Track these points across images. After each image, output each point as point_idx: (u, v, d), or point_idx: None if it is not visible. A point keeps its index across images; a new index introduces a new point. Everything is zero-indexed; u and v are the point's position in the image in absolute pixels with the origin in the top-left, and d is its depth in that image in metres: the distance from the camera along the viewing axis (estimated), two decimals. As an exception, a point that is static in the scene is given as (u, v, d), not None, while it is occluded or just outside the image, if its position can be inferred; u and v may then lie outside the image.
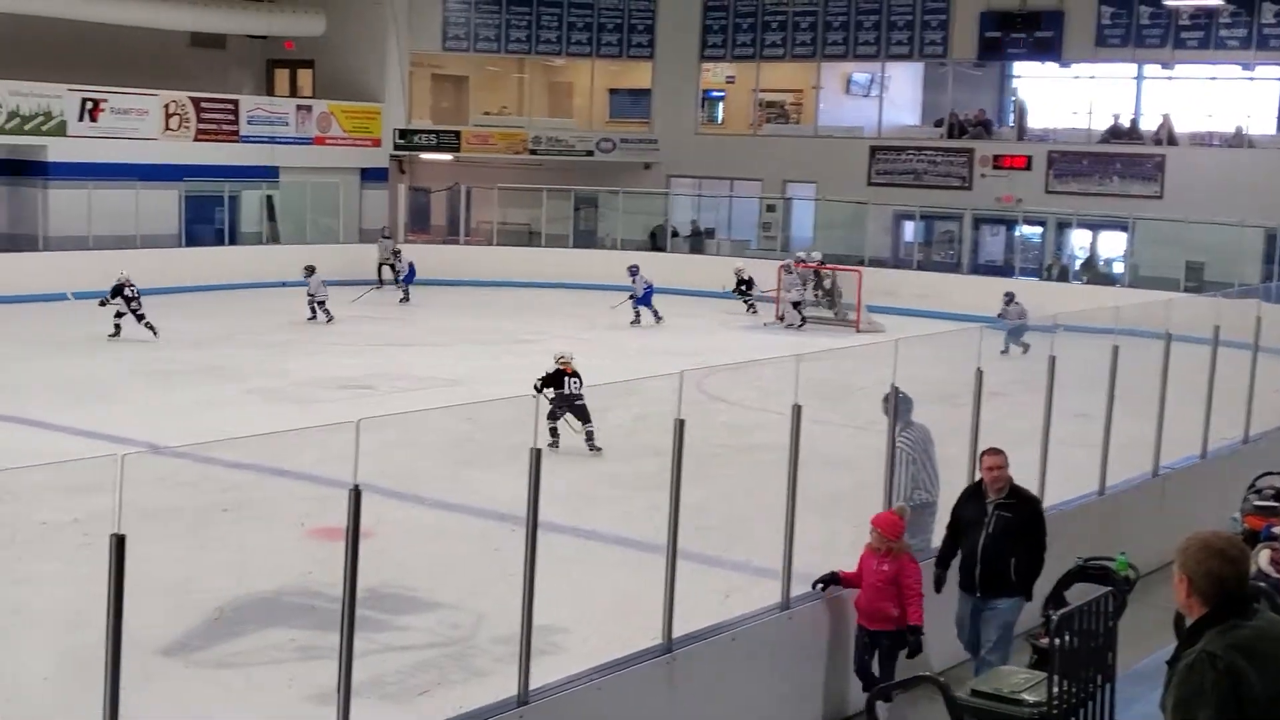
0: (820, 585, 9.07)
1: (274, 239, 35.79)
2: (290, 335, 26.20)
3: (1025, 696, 7.12)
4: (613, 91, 41.87)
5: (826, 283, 30.67)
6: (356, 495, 6.31)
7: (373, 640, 9.48)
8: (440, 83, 41.72)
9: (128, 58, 34.23)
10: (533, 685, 7.16)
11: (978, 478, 9.43)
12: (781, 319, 29.84)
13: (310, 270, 28.32)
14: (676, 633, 8.01)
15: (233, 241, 34.58)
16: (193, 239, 33.76)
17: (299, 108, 37.02)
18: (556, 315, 28.83)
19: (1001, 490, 9.15)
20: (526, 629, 7.10)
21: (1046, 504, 10.08)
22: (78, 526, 11.44)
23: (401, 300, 31.78)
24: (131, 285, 24.73)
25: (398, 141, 38.56)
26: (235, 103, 35.65)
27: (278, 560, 12.05)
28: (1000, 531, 9.06)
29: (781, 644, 8.84)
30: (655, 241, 37.58)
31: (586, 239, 37.91)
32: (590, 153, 39.68)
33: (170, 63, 35.74)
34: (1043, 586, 9.33)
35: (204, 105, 34.72)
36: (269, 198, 36.10)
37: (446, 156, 39.14)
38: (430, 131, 39.21)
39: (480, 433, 14.59)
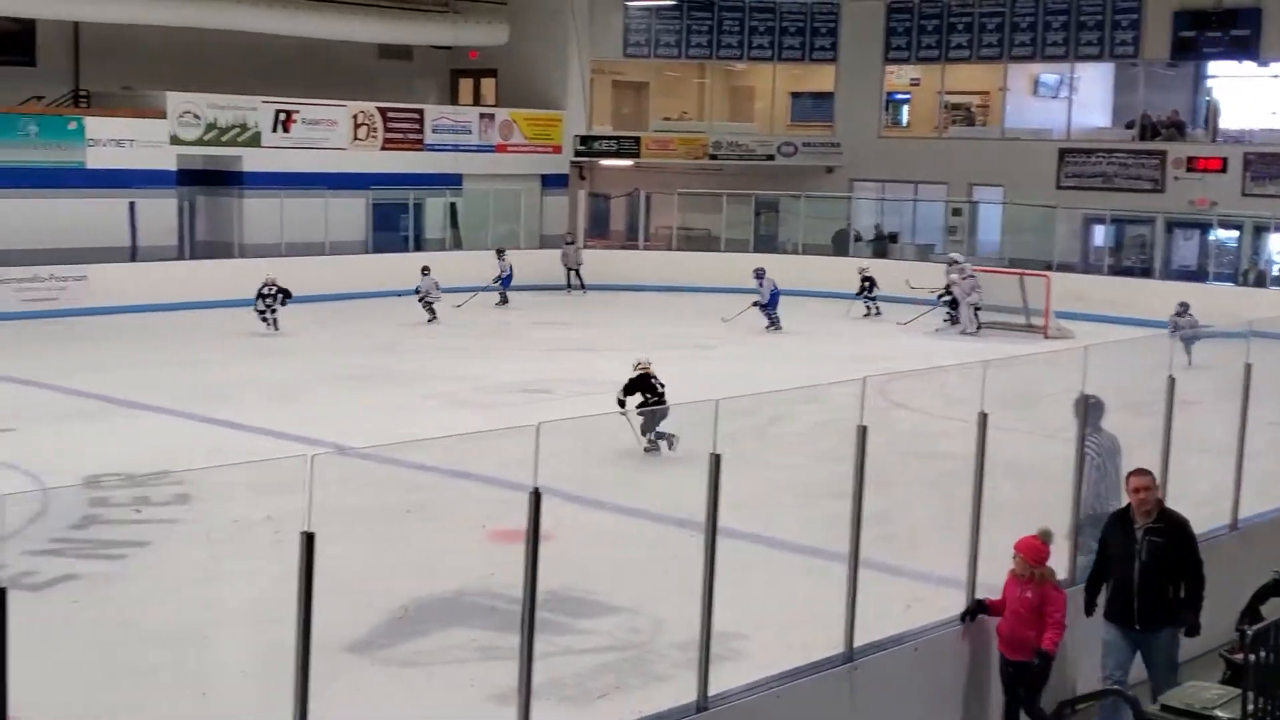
0: (967, 616, 8.76)
1: (457, 245, 36.35)
2: (471, 340, 26.58)
3: (1218, 713, 6.89)
4: (795, 95, 41.66)
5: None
6: (536, 498, 6.34)
7: (552, 643, 9.53)
8: (621, 89, 41.97)
9: (319, 70, 35.15)
10: (712, 691, 7.13)
11: (1126, 501, 8.94)
12: (952, 321, 29.47)
13: (425, 270, 29.04)
14: (857, 642, 7.91)
15: (417, 248, 35.22)
16: (379, 246, 34.47)
17: (482, 116, 37.57)
18: (735, 321, 28.74)
19: (1150, 514, 8.68)
20: (706, 634, 7.06)
21: (1241, 515, 9.74)
22: (269, 524, 11.74)
23: (498, 304, 31.88)
24: (270, 286, 26.51)
25: (578, 148, 38.89)
26: (420, 112, 36.32)
27: (460, 561, 12.19)
28: (1155, 559, 8.59)
29: (964, 656, 8.68)
30: (838, 246, 37.33)
31: (768, 244, 37.72)
32: (771, 157, 39.54)
33: (359, 74, 36.60)
34: (1211, 615, 8.88)
35: (391, 115, 35.44)
36: (452, 205, 36.68)
37: (627, 162, 39.35)
38: (610, 138, 39.47)
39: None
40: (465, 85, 40.66)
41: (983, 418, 8.36)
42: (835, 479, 8.29)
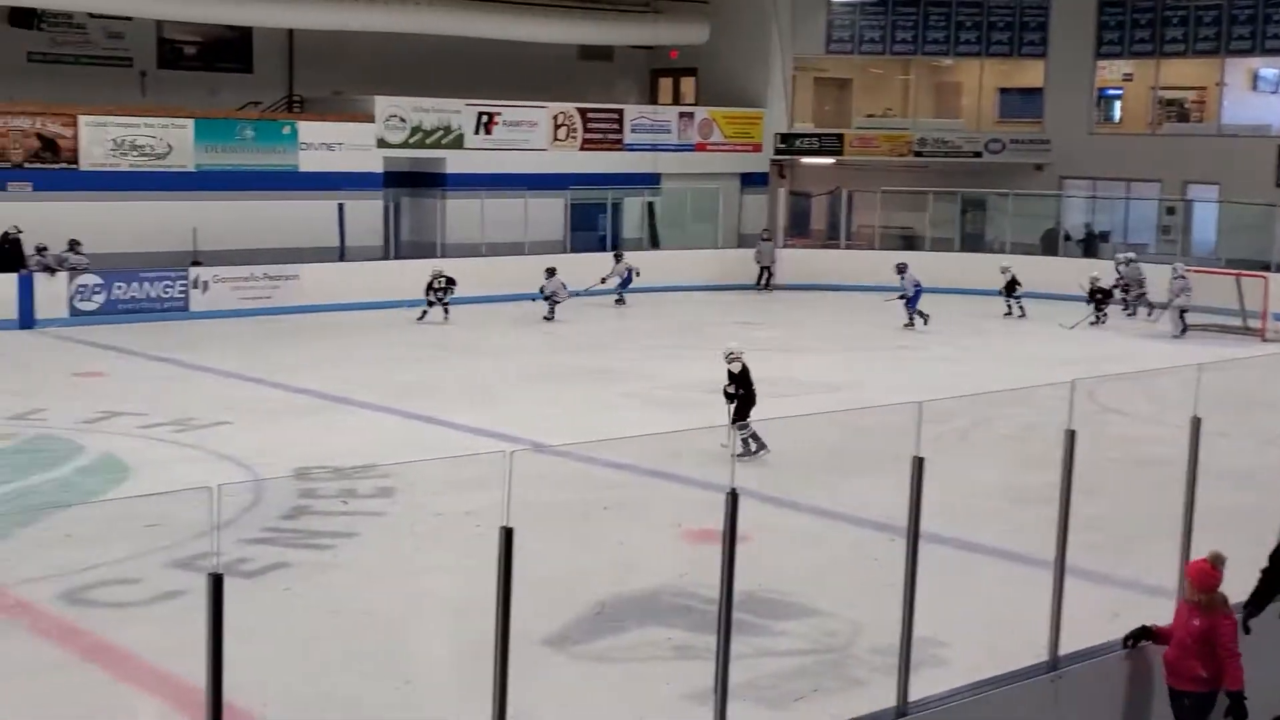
0: (1130, 642, 8.20)
1: (655, 245, 36.51)
2: (666, 340, 26.65)
3: None
4: (1002, 91, 40.89)
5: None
6: (733, 498, 6.31)
7: (748, 644, 9.49)
8: (823, 86, 41.68)
9: (521, 72, 35.67)
10: (912, 696, 7.01)
11: None
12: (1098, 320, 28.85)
13: (551, 272, 29.14)
14: (1062, 650, 7.71)
15: (614, 247, 35.48)
16: (577, 245, 34.80)
17: (681, 115, 37.65)
18: (940, 320, 28.33)
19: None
20: (906, 639, 6.95)
21: None
22: (469, 519, 11.92)
23: (617, 302, 31.61)
24: (439, 278, 28.13)
25: (779, 146, 38.73)
26: (620, 112, 36.56)
27: (655, 560, 12.23)
28: None
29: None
30: (1047, 245, 36.55)
31: (974, 242, 37.12)
32: (978, 154, 38.88)
33: (560, 76, 37.02)
34: None
35: (590, 115, 35.75)
36: (650, 204, 36.86)
37: (828, 160, 39.07)
38: (812, 135, 39.23)
39: (858, 438, 14.46)
40: (665, 84, 40.82)
41: (1196, 422, 8.08)
42: (1041, 484, 8.09)
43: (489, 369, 22.98)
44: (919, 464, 6.84)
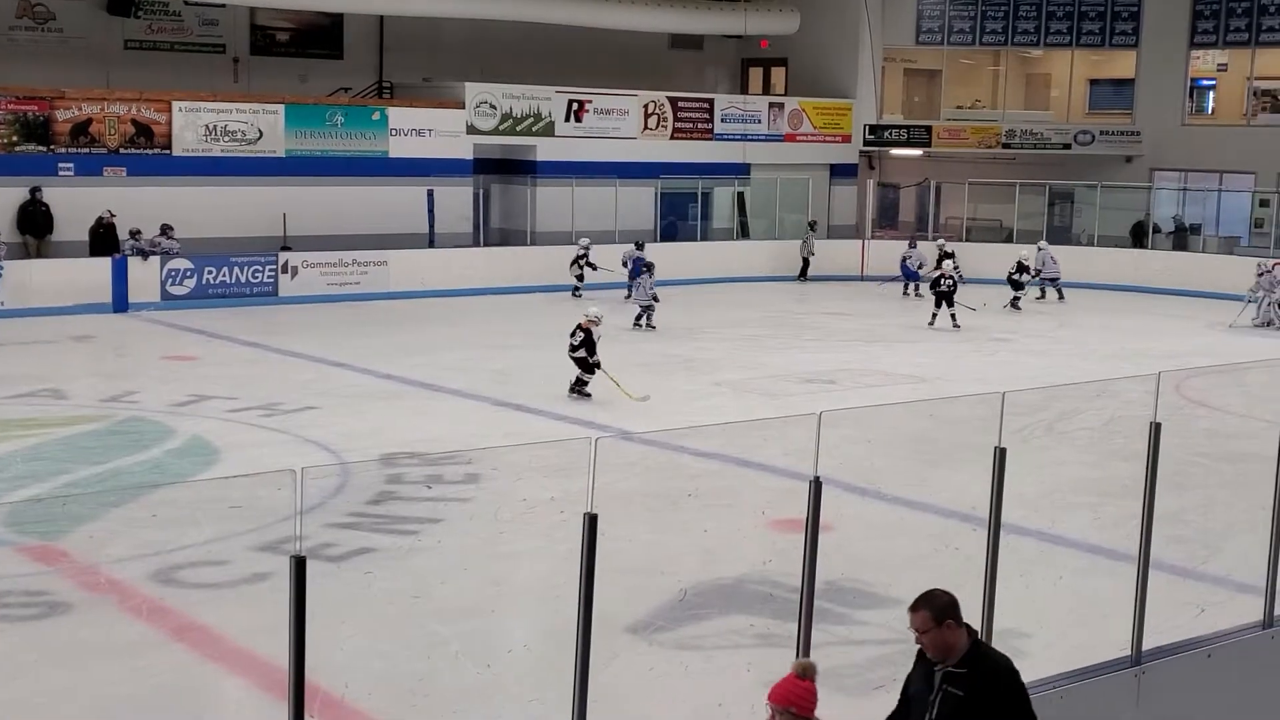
0: None
1: (744, 234, 36.49)
2: (759, 330, 26.61)
3: None
4: (1093, 82, 40.44)
5: None
6: (817, 487, 6.32)
7: (830, 632, 9.49)
8: (912, 77, 41.44)
9: (611, 60, 35.79)
10: (992, 689, 6.98)
11: None
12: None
13: (640, 245, 29.84)
14: (1146, 645, 7.65)
15: (704, 237, 35.48)
16: (667, 234, 34.85)
17: (771, 105, 37.59)
18: (1028, 314, 28.08)
19: (941, 656, 6.01)
20: (987, 629, 6.94)
21: None
22: (554, 505, 12.00)
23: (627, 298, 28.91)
24: (584, 247, 29.97)
25: (868, 137, 38.56)
26: (710, 101, 36.57)
27: (739, 548, 12.24)
28: (947, 716, 5.97)
29: (1263, 665, 8.30)
30: (1136, 238, 36.10)
31: (1061, 235, 36.75)
32: (1067, 145, 38.46)
33: (650, 64, 37.09)
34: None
35: (681, 105, 35.78)
36: (740, 194, 36.82)
37: (916, 152, 38.84)
38: (901, 127, 39.02)
39: (942, 429, 14.39)
40: (755, 74, 40.77)
41: (1287, 417, 7.97)
42: (1126, 477, 8.03)
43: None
44: (1001, 454, 6.82)
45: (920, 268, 31.97)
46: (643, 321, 25.87)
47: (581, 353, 19.01)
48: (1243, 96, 37.81)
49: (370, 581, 11.46)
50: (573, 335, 19.15)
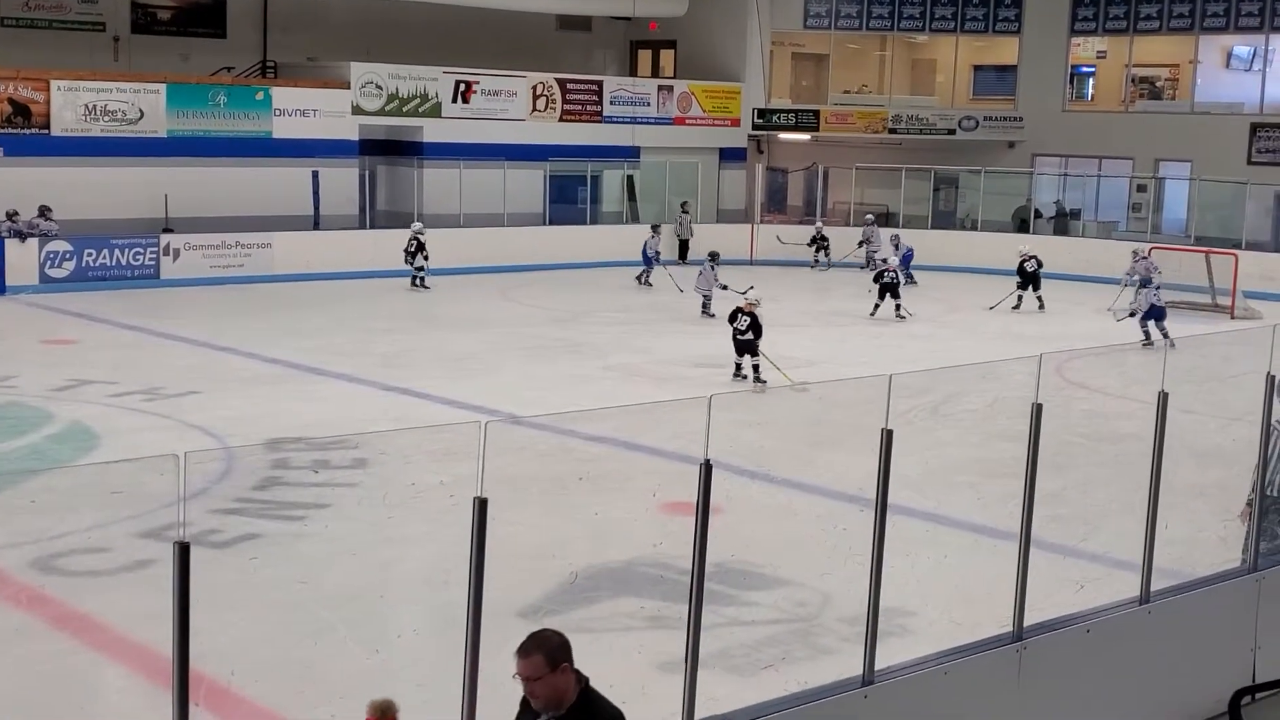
0: None
1: (634, 218, 36.51)
2: (648, 314, 26.67)
3: None
4: (977, 68, 41.00)
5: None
6: (707, 470, 6.35)
7: (720, 614, 9.57)
8: (800, 61, 41.72)
9: (499, 41, 35.58)
10: (878, 666, 7.08)
11: None
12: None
13: (655, 229, 30.42)
14: (1027, 621, 7.79)
15: (594, 221, 35.44)
16: (556, 218, 34.77)
17: (660, 88, 37.64)
18: (915, 298, 28.40)
19: (551, 707, 5.48)
20: (873, 609, 7.02)
21: None
22: (443, 490, 11.94)
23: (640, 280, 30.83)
24: (417, 232, 28.91)
25: (756, 121, 38.75)
26: (599, 84, 36.54)
27: (630, 531, 12.28)
28: None
29: (1140, 640, 8.48)
30: (1019, 223, 36.66)
31: (945, 220, 37.24)
32: (952, 131, 38.96)
33: (538, 45, 36.95)
34: None
35: (569, 86, 35.71)
36: (629, 178, 36.84)
37: (805, 136, 39.10)
38: (789, 111, 39.26)
39: (831, 412, 14.55)
40: (644, 57, 40.78)
41: (1163, 397, 8.14)
42: (1008, 458, 8.17)
43: (467, 341, 22.93)
44: (888, 436, 6.90)
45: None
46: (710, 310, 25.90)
47: (749, 335, 19.43)
48: (1121, 83, 38.54)
49: (256, 567, 11.35)
50: (735, 319, 19.60)
